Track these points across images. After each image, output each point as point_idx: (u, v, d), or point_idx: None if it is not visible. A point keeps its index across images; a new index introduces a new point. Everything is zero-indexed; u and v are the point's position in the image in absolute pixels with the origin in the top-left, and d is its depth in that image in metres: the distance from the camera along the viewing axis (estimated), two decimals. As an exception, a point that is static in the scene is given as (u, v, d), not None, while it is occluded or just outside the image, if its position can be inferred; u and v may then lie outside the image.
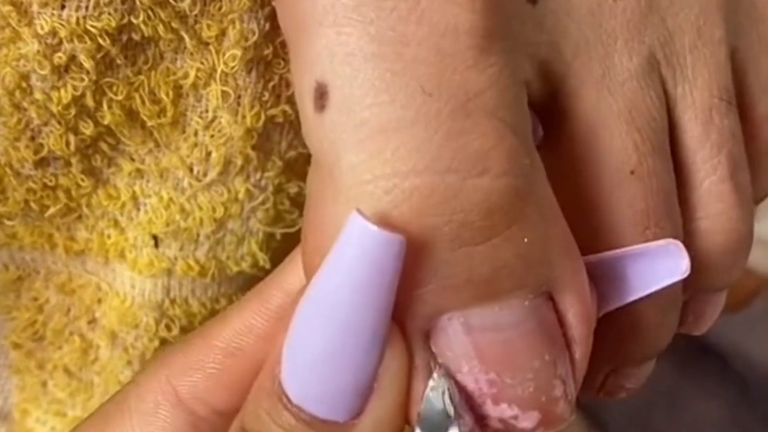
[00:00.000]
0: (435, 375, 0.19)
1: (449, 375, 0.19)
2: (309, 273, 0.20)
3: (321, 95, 0.19)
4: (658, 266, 0.22)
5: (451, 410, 0.19)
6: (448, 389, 0.19)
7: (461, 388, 0.19)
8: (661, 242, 0.22)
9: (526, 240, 0.19)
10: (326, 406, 0.19)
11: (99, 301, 0.30)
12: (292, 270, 0.22)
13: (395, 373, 0.19)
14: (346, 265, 0.18)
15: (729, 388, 0.93)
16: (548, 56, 0.22)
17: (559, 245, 0.20)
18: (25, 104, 0.25)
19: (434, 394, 0.19)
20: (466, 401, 0.19)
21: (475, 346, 0.19)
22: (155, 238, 0.28)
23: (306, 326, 0.19)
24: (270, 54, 0.25)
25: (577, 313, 0.20)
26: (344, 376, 0.19)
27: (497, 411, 0.19)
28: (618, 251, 0.22)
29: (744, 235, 0.24)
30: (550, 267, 0.19)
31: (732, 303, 0.28)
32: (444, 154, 0.18)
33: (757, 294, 0.89)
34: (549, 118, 0.23)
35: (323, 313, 0.18)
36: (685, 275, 0.21)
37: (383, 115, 0.18)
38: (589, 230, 0.22)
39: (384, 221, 0.18)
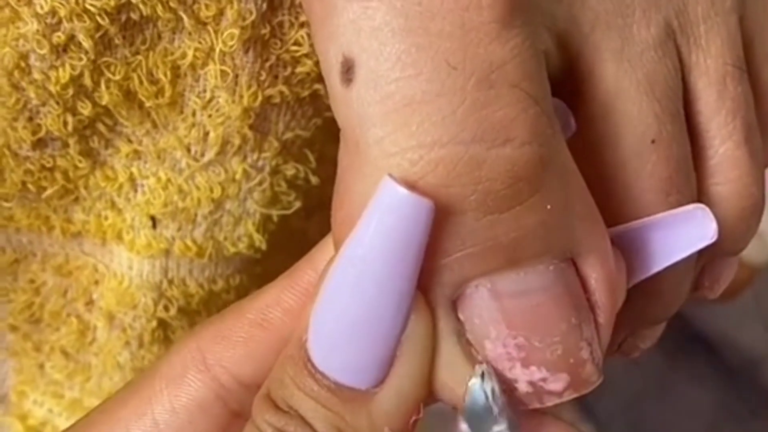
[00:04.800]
0: (478, 369, 0.19)
1: (487, 363, 0.19)
2: (338, 245, 0.20)
3: (347, 69, 0.19)
4: (686, 232, 0.22)
5: (494, 407, 0.19)
6: (492, 385, 0.19)
7: (492, 358, 0.20)
8: (688, 207, 0.22)
9: (549, 207, 0.19)
10: (349, 373, 0.19)
11: (96, 282, 0.30)
12: (324, 250, 0.23)
13: (418, 340, 0.19)
14: (376, 228, 0.18)
15: (718, 377, 0.94)
16: (566, 28, 0.22)
17: (580, 212, 0.20)
18: (23, 84, 0.25)
19: (478, 389, 0.19)
20: (495, 365, 0.19)
21: (502, 310, 0.19)
22: (153, 218, 0.28)
23: (333, 292, 0.19)
24: (267, 34, 0.25)
25: (599, 278, 0.20)
26: (368, 342, 0.19)
27: (526, 374, 0.19)
28: (644, 220, 0.22)
29: (759, 199, 0.24)
30: (572, 233, 0.20)
31: (723, 293, 0.28)
32: (468, 125, 0.18)
33: (748, 284, 0.90)
34: (566, 90, 0.23)
35: (351, 278, 0.19)
36: (714, 239, 0.22)
37: (409, 89, 0.18)
38: (612, 200, 0.23)
39: (413, 187, 0.18)
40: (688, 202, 0.23)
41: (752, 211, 0.24)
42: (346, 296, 0.19)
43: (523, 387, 0.20)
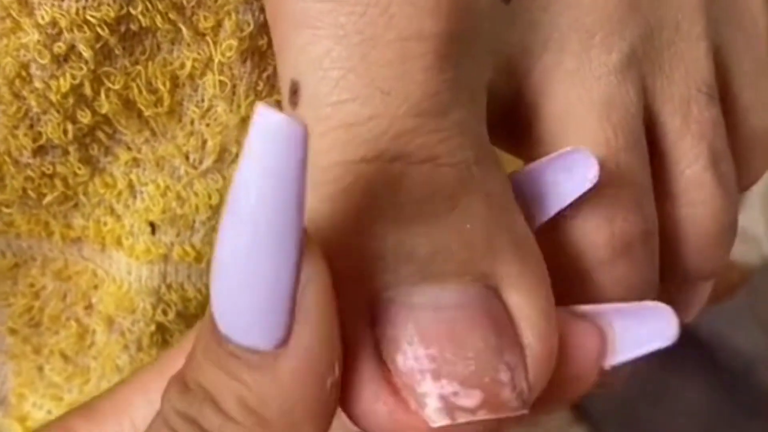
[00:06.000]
0: None
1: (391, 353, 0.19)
2: None
3: (294, 92, 0.20)
4: (645, 329, 0.21)
5: None
6: None
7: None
8: (650, 303, 0.21)
9: (468, 227, 0.19)
10: (249, 330, 0.18)
11: (95, 287, 0.30)
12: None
13: (315, 294, 0.18)
14: (252, 157, 0.17)
15: (712, 378, 0.94)
16: (517, 51, 0.22)
17: (508, 244, 0.20)
18: (24, 93, 0.25)
19: None
20: (406, 380, 0.19)
21: (415, 322, 0.19)
22: (152, 224, 0.28)
23: (221, 245, 0.18)
24: (264, 45, 0.26)
25: (523, 317, 0.20)
26: (261, 294, 0.18)
27: (437, 387, 0.19)
28: (608, 306, 0.21)
29: (726, 223, 0.24)
30: (495, 262, 0.20)
31: (716, 294, 0.28)
32: (394, 147, 0.19)
33: (741, 286, 0.90)
34: (516, 114, 0.23)
35: (230, 225, 0.17)
36: (672, 341, 0.21)
37: (343, 112, 0.19)
38: (558, 227, 0.23)
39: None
40: (635, 232, 0.22)
41: (719, 235, 0.24)
42: (229, 247, 0.17)
43: (433, 402, 0.19)
